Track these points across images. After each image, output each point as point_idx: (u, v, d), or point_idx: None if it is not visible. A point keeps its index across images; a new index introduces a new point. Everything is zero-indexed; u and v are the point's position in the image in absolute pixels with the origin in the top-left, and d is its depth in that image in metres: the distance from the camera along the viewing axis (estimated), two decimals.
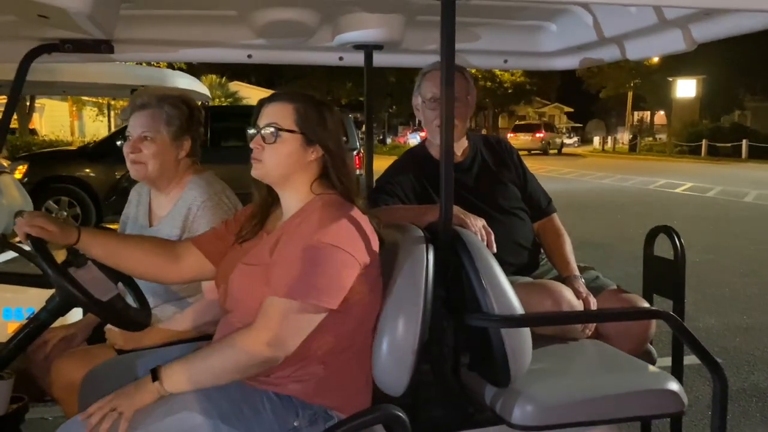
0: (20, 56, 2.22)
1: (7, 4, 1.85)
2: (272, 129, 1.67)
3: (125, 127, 2.21)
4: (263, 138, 1.68)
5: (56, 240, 1.73)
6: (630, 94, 39.02)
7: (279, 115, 1.69)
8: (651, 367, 2.09)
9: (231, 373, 1.57)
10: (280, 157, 1.69)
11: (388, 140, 40.58)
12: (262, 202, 1.83)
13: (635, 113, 44.34)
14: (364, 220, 1.68)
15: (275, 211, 1.82)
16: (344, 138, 1.83)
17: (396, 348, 1.71)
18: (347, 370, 1.69)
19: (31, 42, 2.23)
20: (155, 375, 1.55)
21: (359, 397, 1.73)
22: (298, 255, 1.58)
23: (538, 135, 36.14)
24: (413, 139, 34.10)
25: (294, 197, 1.74)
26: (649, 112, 45.63)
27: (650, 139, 37.29)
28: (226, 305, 1.75)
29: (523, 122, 41.21)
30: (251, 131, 1.72)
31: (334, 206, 1.67)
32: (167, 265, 1.87)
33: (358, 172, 10.02)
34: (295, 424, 1.61)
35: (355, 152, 9.66)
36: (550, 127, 39.35)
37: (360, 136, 10.35)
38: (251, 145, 1.71)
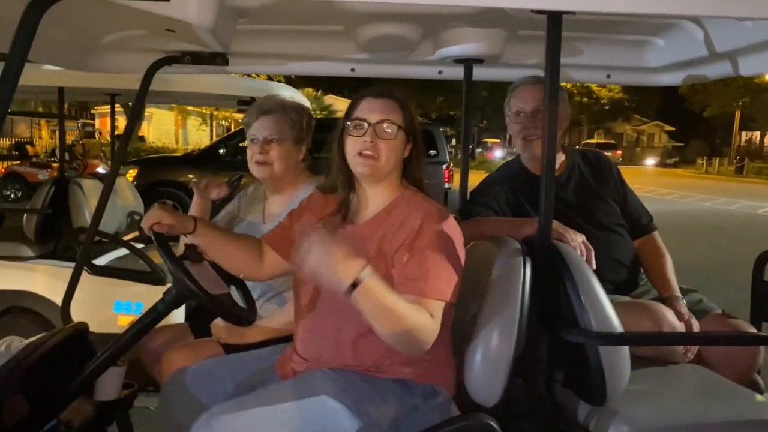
0: (145, 67, 2.41)
1: (140, 19, 2.01)
2: (392, 125, 1.75)
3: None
4: (378, 133, 1.74)
5: (176, 231, 1.85)
6: (737, 114, 36.90)
7: (390, 111, 1.77)
8: (759, 397, 1.98)
9: (403, 326, 1.54)
10: (394, 153, 1.77)
11: (477, 153, 40.37)
12: (345, 197, 1.88)
13: (743, 133, 41.88)
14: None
15: (352, 204, 1.87)
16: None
17: (490, 359, 1.72)
18: (441, 352, 1.75)
19: (155, 54, 2.41)
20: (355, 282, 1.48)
21: (449, 373, 1.81)
22: (438, 255, 1.65)
23: (618, 152, 41.76)
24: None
25: (385, 191, 1.81)
26: (758, 133, 42.93)
27: (759, 161, 35.09)
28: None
29: (595, 141, 46.99)
30: (355, 124, 1.76)
31: (437, 208, 1.75)
32: (254, 263, 1.96)
33: (446, 185, 10.06)
34: (415, 401, 1.70)
35: (444, 166, 9.71)
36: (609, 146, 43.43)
37: (448, 149, 10.36)
38: (363, 139, 1.73)
